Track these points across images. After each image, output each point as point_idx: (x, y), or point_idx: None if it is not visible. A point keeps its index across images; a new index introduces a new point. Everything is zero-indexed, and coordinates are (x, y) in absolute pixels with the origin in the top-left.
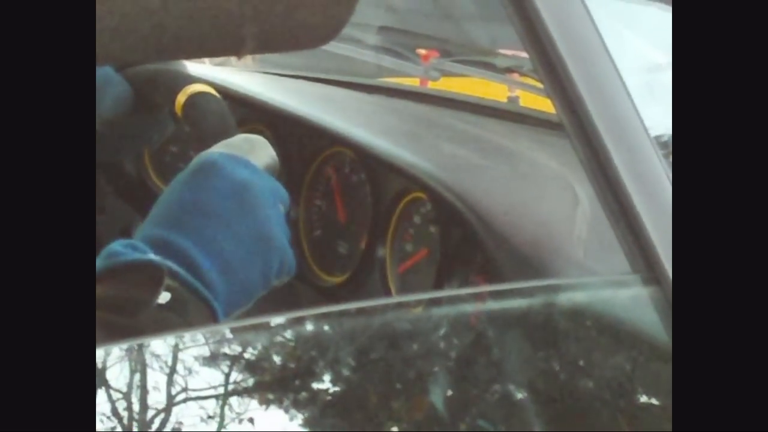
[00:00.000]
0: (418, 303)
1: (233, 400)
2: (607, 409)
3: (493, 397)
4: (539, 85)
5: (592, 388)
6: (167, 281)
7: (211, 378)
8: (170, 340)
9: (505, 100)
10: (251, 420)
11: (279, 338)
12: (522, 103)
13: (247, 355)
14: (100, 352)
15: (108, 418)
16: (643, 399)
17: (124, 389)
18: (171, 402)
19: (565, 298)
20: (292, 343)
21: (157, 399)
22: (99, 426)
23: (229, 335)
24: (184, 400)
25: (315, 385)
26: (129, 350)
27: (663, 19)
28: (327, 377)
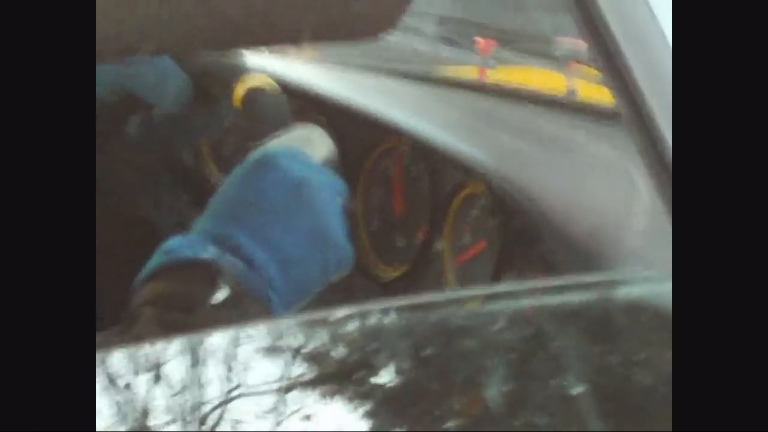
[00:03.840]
0: (476, 297)
1: (291, 395)
2: (666, 405)
3: (551, 392)
4: (598, 74)
5: (651, 383)
6: (225, 278)
7: (268, 372)
8: (229, 334)
9: (563, 90)
10: (308, 416)
11: (337, 333)
12: (580, 93)
13: (305, 350)
14: (156, 347)
15: (163, 413)
16: None
17: (182, 384)
18: (228, 397)
19: (623, 292)
20: (350, 338)
21: (214, 394)
22: (152, 421)
23: (286, 330)
24: (242, 395)
25: (372, 380)
26: (187, 344)
27: None
28: (385, 372)
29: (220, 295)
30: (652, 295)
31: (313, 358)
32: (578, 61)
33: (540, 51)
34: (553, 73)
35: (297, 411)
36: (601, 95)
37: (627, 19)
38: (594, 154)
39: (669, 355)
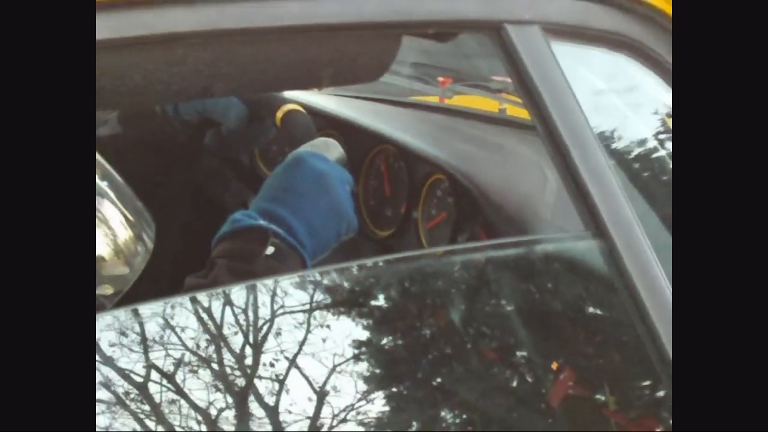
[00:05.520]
0: (441, 253)
1: (317, 314)
2: (570, 323)
3: (491, 313)
4: (520, 100)
5: (560, 309)
6: (272, 239)
7: (302, 301)
8: (276, 280)
9: (497, 110)
10: (329, 326)
11: (348, 277)
12: (509, 112)
13: (328, 287)
14: (224, 290)
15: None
16: (592, 314)
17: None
18: (274, 314)
19: (540, 249)
20: (358, 280)
21: (264, 312)
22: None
23: (316, 276)
24: (284, 313)
25: (373, 306)
26: (246, 288)
27: (604, 57)
28: (380, 300)
29: (269, 251)
30: (559, 250)
31: (335, 291)
32: (507, 92)
33: (482, 85)
34: (489, 100)
35: (321, 324)
36: (524, 114)
37: (540, 67)
38: (519, 154)
39: (572, 290)
